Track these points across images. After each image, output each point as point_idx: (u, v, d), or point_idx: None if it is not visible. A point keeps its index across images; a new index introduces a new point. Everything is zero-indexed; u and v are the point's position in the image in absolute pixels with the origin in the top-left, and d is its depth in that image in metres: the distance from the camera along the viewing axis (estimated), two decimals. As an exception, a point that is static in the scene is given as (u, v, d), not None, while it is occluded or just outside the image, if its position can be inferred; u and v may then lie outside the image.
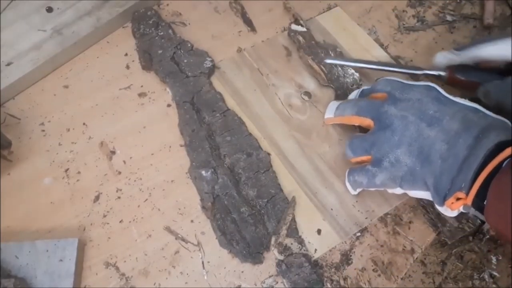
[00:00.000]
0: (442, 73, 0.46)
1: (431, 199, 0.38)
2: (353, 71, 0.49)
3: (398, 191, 0.39)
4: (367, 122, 0.42)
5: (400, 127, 0.39)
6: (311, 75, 0.51)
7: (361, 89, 0.45)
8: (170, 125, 0.47)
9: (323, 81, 0.50)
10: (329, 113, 0.46)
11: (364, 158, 0.41)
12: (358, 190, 0.42)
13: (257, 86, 0.50)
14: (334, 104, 0.46)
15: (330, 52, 0.51)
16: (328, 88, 0.50)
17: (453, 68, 0.46)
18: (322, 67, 0.50)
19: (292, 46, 0.53)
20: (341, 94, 0.48)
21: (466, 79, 0.45)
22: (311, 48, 0.51)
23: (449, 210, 0.37)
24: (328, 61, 0.49)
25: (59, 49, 0.50)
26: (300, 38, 0.52)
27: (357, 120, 0.43)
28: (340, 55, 0.51)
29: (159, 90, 0.50)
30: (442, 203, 0.36)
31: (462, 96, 0.40)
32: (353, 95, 0.46)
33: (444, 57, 0.46)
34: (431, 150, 0.37)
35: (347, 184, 0.42)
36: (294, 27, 0.53)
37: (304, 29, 0.53)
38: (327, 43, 0.52)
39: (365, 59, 0.51)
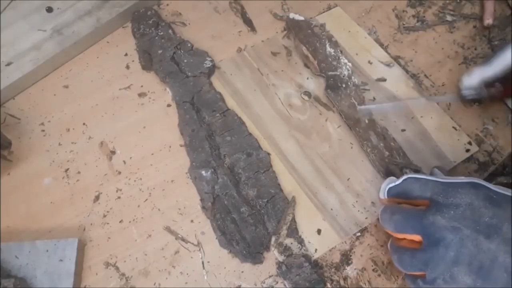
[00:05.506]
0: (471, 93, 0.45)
1: None
2: (346, 61, 0.50)
3: None
4: (412, 237, 0.36)
5: (455, 242, 0.34)
6: (305, 65, 0.51)
7: (386, 188, 0.39)
8: (170, 125, 0.47)
9: (315, 70, 0.50)
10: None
11: (418, 273, 0.36)
12: None
13: (257, 86, 0.50)
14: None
15: (327, 42, 0.51)
16: (321, 78, 0.50)
17: (487, 85, 0.44)
18: (315, 56, 0.50)
19: (292, 43, 0.53)
20: (333, 82, 0.49)
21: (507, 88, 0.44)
22: (306, 37, 0.51)
23: None
24: (362, 107, 0.47)
25: (59, 49, 0.50)
26: (297, 27, 0.53)
27: (401, 236, 0.37)
28: (336, 45, 0.52)
29: (159, 90, 0.50)
30: None
31: None
32: (381, 192, 0.39)
33: (471, 78, 0.45)
34: (493, 264, 0.33)
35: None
36: (292, 15, 0.53)
37: (302, 18, 0.53)
38: (323, 33, 0.53)
39: (397, 99, 0.49)
